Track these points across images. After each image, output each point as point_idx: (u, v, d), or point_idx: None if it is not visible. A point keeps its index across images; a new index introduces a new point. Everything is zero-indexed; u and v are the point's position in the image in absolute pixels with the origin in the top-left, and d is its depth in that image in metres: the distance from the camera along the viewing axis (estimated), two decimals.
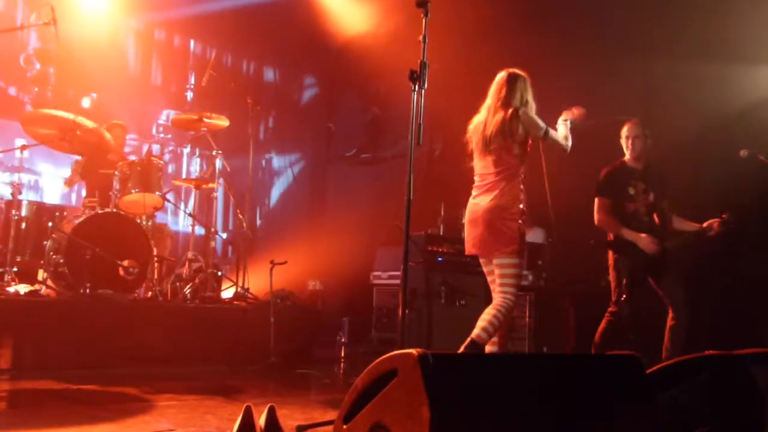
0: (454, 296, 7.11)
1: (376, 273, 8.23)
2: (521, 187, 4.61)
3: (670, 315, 5.35)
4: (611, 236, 5.54)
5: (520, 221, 4.58)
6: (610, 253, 5.56)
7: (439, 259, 7.32)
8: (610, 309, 5.45)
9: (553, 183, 7.97)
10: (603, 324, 5.43)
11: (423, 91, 3.59)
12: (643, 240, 5.32)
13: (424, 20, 3.64)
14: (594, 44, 7.88)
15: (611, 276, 5.54)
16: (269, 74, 11.02)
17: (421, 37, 3.72)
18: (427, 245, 7.35)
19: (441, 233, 8.20)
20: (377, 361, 1.86)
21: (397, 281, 7.70)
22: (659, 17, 7.38)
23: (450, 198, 8.63)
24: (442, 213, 8.68)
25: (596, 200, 5.55)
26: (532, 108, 4.69)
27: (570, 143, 4.76)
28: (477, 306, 7.22)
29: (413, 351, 1.75)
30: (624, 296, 5.38)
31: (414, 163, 3.85)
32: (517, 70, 4.78)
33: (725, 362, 2.39)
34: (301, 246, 9.22)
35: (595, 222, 5.56)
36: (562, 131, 4.79)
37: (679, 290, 5.36)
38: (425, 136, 4.36)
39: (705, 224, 5.46)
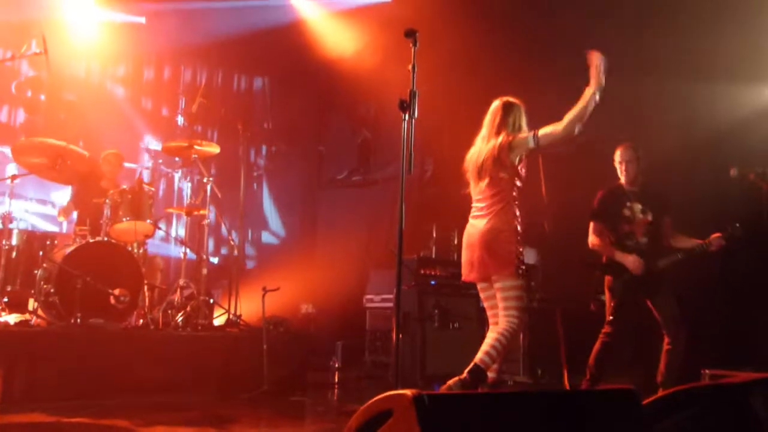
0: (447, 319, 7.10)
1: (368, 296, 8.22)
2: (515, 210, 4.65)
3: (666, 339, 5.35)
4: (605, 258, 5.57)
5: (516, 242, 4.60)
6: (606, 276, 5.56)
7: (432, 282, 7.32)
8: (604, 330, 5.45)
9: (545, 202, 8.02)
10: (597, 345, 5.43)
11: (413, 119, 3.59)
12: (630, 260, 5.35)
13: (412, 50, 3.65)
14: (582, 64, 7.92)
15: (606, 297, 5.54)
16: (259, 98, 11.04)
17: (410, 66, 3.73)
18: (419, 268, 7.34)
19: (433, 256, 8.21)
20: (371, 401, 1.85)
21: (390, 304, 7.69)
22: (646, 37, 7.44)
23: (441, 220, 8.64)
24: (434, 235, 8.69)
25: (590, 224, 5.60)
26: (524, 133, 4.74)
27: (588, 108, 4.54)
28: (470, 329, 7.25)
29: (408, 392, 1.73)
30: (611, 317, 5.40)
31: (405, 185, 3.87)
32: (510, 99, 4.83)
33: (723, 391, 2.37)
34: (293, 269, 9.20)
35: (589, 245, 5.60)
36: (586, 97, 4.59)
37: (674, 311, 5.36)
38: (416, 159, 4.39)
39: (707, 240, 5.47)
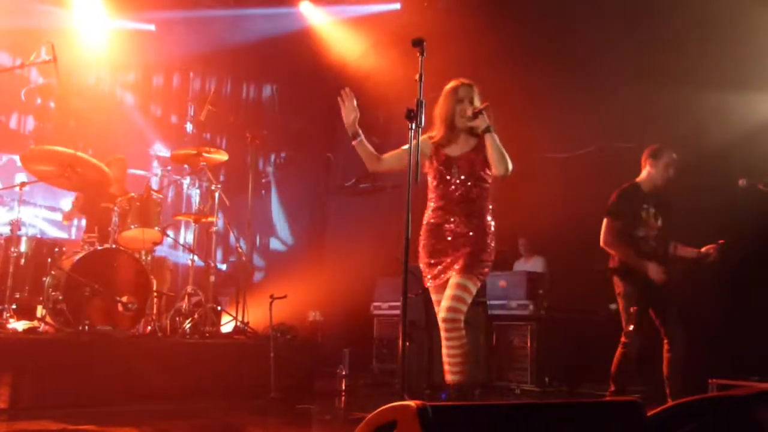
0: None
1: (376, 304, 8.22)
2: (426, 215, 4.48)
3: (666, 347, 5.30)
4: (614, 261, 5.46)
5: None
6: (616, 281, 5.47)
7: None
8: (622, 339, 5.35)
9: (553, 210, 8.02)
10: (617, 356, 5.33)
11: (420, 129, 3.59)
12: (653, 269, 5.23)
13: (420, 59, 3.64)
14: (591, 73, 7.93)
15: (619, 305, 5.43)
16: (268, 105, 11.08)
17: (417, 76, 3.72)
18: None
19: None
20: (375, 412, 1.84)
21: (398, 312, 7.67)
22: (656, 46, 7.44)
23: None
24: None
25: (606, 221, 5.41)
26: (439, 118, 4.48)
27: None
28: (477, 337, 7.23)
29: (412, 403, 1.73)
30: (632, 326, 5.31)
31: (412, 193, 3.87)
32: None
33: (729, 403, 2.35)
34: (301, 276, 9.21)
35: (601, 243, 5.42)
36: None
37: (674, 316, 5.31)
38: (423, 167, 4.40)
39: (703, 249, 5.44)
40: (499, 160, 4.25)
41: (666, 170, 5.45)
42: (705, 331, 5.62)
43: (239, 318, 6.83)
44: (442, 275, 4.34)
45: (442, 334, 4.25)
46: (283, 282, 7.66)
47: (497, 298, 7.75)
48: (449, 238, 4.33)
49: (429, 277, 4.42)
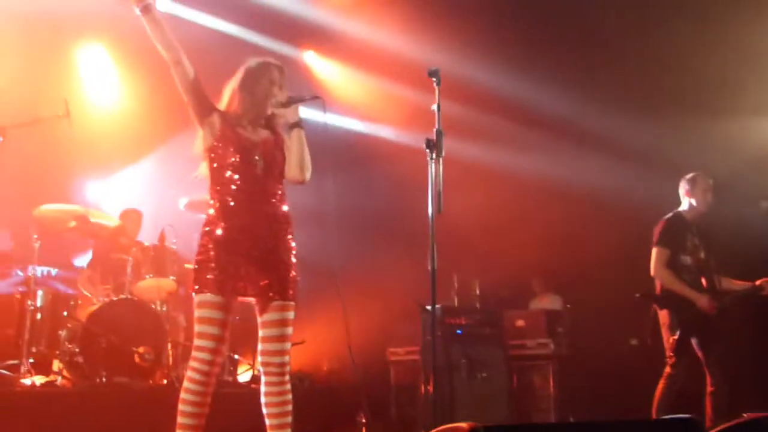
0: (474, 369, 6.96)
1: (392, 349, 8.09)
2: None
3: (709, 381, 5.19)
4: (661, 291, 5.36)
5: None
6: (662, 312, 5.35)
7: (458, 331, 7.20)
8: (666, 371, 5.26)
9: (573, 246, 7.95)
10: (660, 387, 5.24)
11: (441, 159, 3.57)
12: (703, 300, 5.16)
13: (436, 90, 3.63)
14: (599, 99, 7.92)
15: (664, 336, 5.33)
16: None
17: (434, 106, 3.71)
18: (444, 318, 7.23)
19: (456, 305, 8.10)
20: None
21: (415, 357, 7.56)
22: (664, 72, 7.44)
23: (463, 268, 8.57)
24: (456, 284, 8.60)
25: (655, 250, 5.37)
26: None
27: None
28: (499, 378, 7.11)
29: (464, 425, 1.69)
30: (674, 357, 5.20)
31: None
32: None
33: None
34: (315, 323, 9.11)
35: (652, 273, 5.38)
36: None
37: (722, 354, 5.21)
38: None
39: (758, 282, 5.35)
40: (305, 164, 3.60)
41: (705, 196, 5.44)
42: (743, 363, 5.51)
43: (256, 367, 6.74)
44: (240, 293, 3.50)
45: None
46: (298, 328, 7.57)
47: (514, 338, 7.64)
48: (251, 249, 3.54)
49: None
